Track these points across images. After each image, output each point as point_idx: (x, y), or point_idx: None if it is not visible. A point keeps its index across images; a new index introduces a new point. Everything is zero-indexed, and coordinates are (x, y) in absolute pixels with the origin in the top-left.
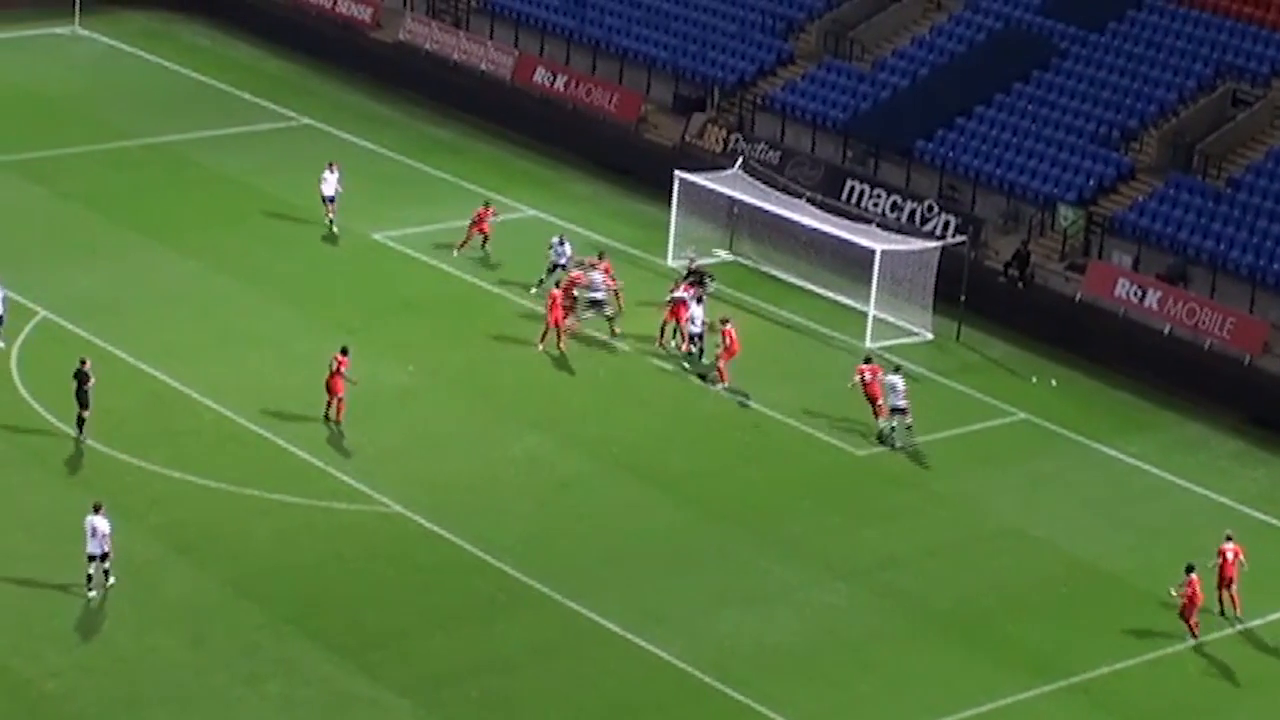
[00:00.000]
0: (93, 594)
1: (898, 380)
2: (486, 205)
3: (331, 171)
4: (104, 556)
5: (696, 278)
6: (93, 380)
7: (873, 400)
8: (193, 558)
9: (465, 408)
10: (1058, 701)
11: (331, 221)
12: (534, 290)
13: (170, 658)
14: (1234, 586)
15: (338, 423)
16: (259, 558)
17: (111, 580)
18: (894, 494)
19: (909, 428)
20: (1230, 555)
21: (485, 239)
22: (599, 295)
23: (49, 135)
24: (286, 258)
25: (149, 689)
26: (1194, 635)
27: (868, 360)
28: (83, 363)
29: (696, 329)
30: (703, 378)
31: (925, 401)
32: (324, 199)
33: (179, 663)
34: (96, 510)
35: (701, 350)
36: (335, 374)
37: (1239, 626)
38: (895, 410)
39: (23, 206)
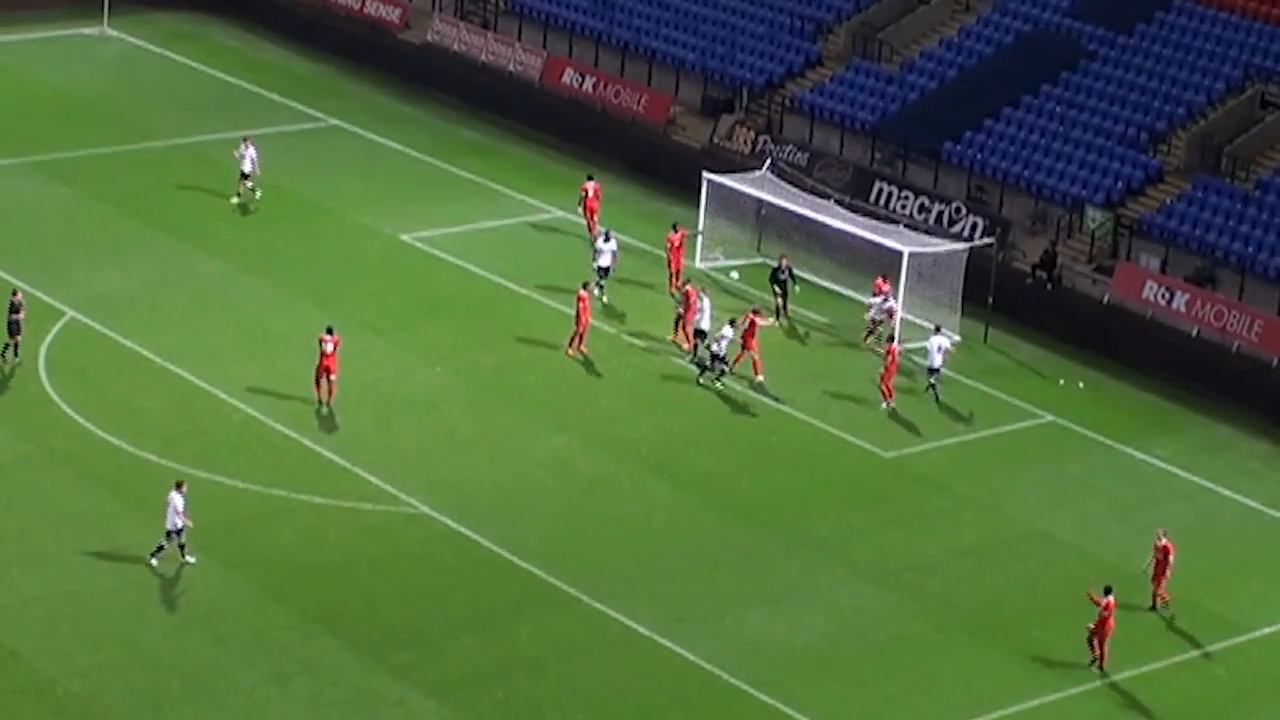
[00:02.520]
0: (154, 563)
1: (944, 341)
2: (590, 178)
3: (247, 147)
4: (180, 531)
5: (784, 275)
6: (24, 313)
7: (887, 375)
8: (219, 558)
9: (492, 409)
10: (1084, 704)
11: (253, 190)
12: (602, 297)
13: (196, 657)
14: (1164, 582)
15: (329, 404)
16: (286, 558)
17: (191, 559)
18: (921, 496)
19: (934, 385)
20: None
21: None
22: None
23: (77, 136)
24: (314, 259)
25: (175, 689)
26: (1099, 663)
27: (891, 339)
28: (15, 294)
29: (720, 349)
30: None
31: (952, 403)
32: (242, 175)
33: (205, 662)
34: (178, 487)
35: (722, 370)
36: (330, 355)
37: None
38: (932, 370)
39: (50, 207)
